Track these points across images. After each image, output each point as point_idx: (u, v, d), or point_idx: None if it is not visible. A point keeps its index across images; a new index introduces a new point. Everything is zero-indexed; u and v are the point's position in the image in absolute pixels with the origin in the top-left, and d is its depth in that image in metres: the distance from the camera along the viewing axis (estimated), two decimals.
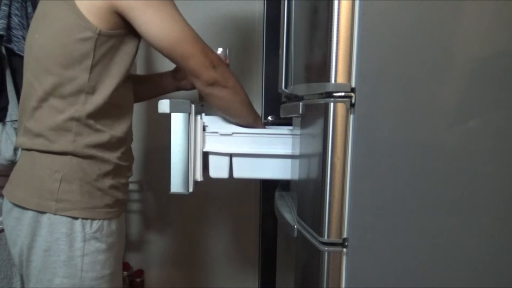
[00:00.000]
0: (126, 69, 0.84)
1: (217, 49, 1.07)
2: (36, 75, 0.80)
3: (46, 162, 0.79)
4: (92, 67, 0.78)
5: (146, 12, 0.77)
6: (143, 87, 1.13)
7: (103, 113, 0.81)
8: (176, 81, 1.13)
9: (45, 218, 0.78)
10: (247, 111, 0.97)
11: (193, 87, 1.15)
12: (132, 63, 0.87)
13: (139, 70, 1.62)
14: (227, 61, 1.11)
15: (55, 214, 0.78)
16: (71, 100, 0.78)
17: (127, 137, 0.88)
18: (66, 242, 0.78)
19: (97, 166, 0.81)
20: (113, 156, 0.84)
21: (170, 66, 1.03)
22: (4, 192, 0.86)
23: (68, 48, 0.77)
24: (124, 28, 0.80)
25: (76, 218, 0.79)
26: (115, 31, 0.79)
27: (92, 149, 0.80)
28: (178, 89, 1.15)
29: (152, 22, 0.78)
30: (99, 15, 0.76)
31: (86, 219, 0.80)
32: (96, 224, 0.81)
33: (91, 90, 0.79)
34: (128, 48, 0.83)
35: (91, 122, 0.80)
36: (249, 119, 0.98)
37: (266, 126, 1.07)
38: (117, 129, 0.84)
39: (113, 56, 0.81)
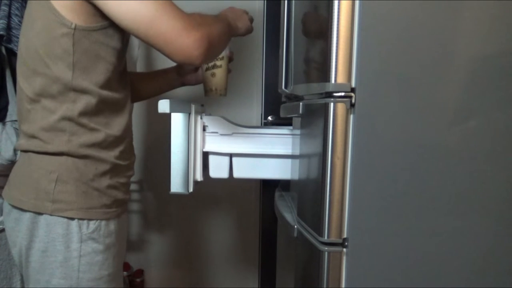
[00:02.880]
0: (113, 65, 0.82)
1: None
2: (26, 78, 0.80)
3: (41, 163, 0.79)
4: (75, 63, 0.77)
5: None
6: (147, 84, 1.12)
7: (96, 111, 0.80)
8: (180, 77, 1.13)
9: (42, 219, 0.78)
10: (226, 35, 0.90)
11: (197, 82, 1.15)
12: (121, 58, 0.84)
13: (139, 69, 1.61)
14: (230, 54, 1.10)
15: (51, 215, 0.78)
16: (61, 99, 0.78)
17: (125, 136, 0.87)
18: (62, 243, 0.78)
19: (93, 166, 0.81)
20: (110, 155, 0.83)
21: (171, 63, 1.03)
22: (3, 193, 0.85)
23: (49, 46, 0.76)
24: (104, 22, 0.78)
25: (72, 219, 0.78)
26: (94, 25, 0.77)
27: (87, 149, 0.80)
28: (183, 84, 1.14)
29: (124, 3, 0.72)
30: (74, 10, 0.75)
31: (83, 219, 0.79)
32: (93, 224, 0.80)
33: (78, 88, 0.78)
34: (113, 42, 0.81)
35: (85, 121, 0.79)
36: (231, 33, 0.94)
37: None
38: (113, 128, 0.84)
39: (97, 52, 0.79)
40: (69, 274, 0.79)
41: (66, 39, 0.75)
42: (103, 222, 0.82)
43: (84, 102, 0.79)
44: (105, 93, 0.81)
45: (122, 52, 0.84)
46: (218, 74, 1.06)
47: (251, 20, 1.05)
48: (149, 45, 0.77)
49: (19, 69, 0.83)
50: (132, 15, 0.73)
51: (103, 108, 0.81)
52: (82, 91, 0.78)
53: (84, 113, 0.79)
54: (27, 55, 0.80)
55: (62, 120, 0.78)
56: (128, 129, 0.88)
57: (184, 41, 0.74)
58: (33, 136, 0.80)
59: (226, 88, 1.09)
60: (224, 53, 1.06)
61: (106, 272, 0.82)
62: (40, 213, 0.78)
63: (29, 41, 0.79)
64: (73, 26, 0.75)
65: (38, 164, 0.79)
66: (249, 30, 1.04)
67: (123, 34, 0.82)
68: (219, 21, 0.88)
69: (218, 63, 1.06)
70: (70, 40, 0.76)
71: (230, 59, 1.10)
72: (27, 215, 0.79)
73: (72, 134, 0.79)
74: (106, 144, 0.82)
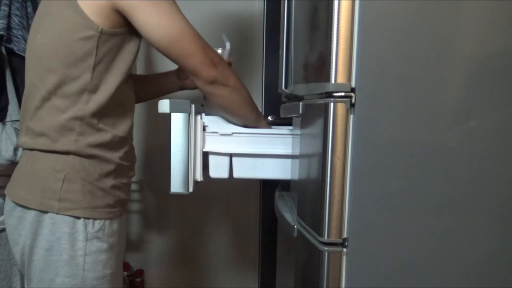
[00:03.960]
0: (128, 67, 0.84)
1: (217, 49, 1.07)
2: (39, 75, 0.80)
3: (48, 162, 0.79)
4: (95, 65, 0.78)
5: (145, 10, 0.77)
6: (147, 87, 1.13)
7: (105, 112, 0.81)
8: (180, 80, 1.13)
9: (47, 217, 0.78)
10: (249, 110, 0.97)
11: (196, 87, 1.15)
12: (134, 61, 0.86)
13: (139, 70, 1.61)
14: (230, 59, 1.11)
15: (57, 214, 0.78)
16: (74, 99, 0.79)
17: (129, 137, 0.88)
18: (68, 242, 0.78)
19: (99, 166, 0.81)
20: (115, 156, 0.84)
21: (170, 65, 1.03)
22: (6, 191, 0.86)
23: (71, 47, 0.77)
24: (126, 27, 0.80)
25: (78, 218, 0.79)
26: (117, 30, 0.79)
27: (94, 149, 0.80)
28: (182, 88, 1.15)
29: (151, 20, 0.78)
30: (101, 14, 0.76)
31: (88, 218, 0.80)
32: (98, 223, 0.81)
33: (93, 89, 0.79)
34: (130, 46, 0.83)
35: (94, 121, 0.80)
36: (250, 118, 0.98)
37: (270, 125, 1.07)
38: (120, 128, 0.84)
39: (115, 55, 0.81)
40: (74, 272, 0.79)
41: (91, 41, 0.77)
42: (107, 222, 0.83)
43: (96, 103, 0.80)
44: (117, 95, 0.82)
45: (136, 56, 0.86)
46: None
47: None
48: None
49: (30, 66, 0.84)
50: (160, 30, 0.80)
51: (112, 110, 0.82)
52: (97, 92, 0.79)
53: (94, 114, 0.80)
54: (43, 53, 0.80)
55: (72, 120, 0.79)
56: (131, 131, 0.89)
57: (201, 58, 0.83)
58: (41, 134, 0.80)
59: None
60: (225, 60, 1.07)
61: (109, 271, 0.83)
62: (45, 212, 0.78)
63: (47, 40, 0.79)
64: (99, 29, 0.76)
65: (45, 163, 0.79)
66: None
67: (140, 39, 0.85)
68: (250, 97, 0.97)
69: None
70: (94, 43, 0.77)
71: (230, 65, 1.10)
72: (32, 213, 0.79)
73: (80, 134, 0.79)
74: (112, 145, 0.83)
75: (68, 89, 0.78)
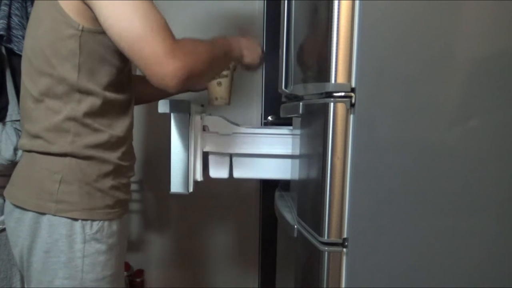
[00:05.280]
0: (118, 67, 0.82)
1: None
2: (30, 77, 0.80)
3: (45, 164, 0.79)
4: (80, 64, 0.77)
5: (107, 6, 0.71)
6: (152, 88, 1.12)
7: (100, 112, 0.81)
8: None
9: (45, 219, 0.78)
10: (216, 60, 0.86)
11: (201, 89, 1.15)
12: (126, 60, 0.84)
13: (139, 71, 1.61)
14: (235, 64, 1.11)
15: (54, 216, 0.78)
16: (66, 100, 0.78)
17: (127, 137, 0.87)
18: (66, 244, 0.78)
19: (97, 167, 0.81)
20: (113, 156, 0.83)
21: None
22: (5, 193, 0.86)
23: (55, 46, 0.76)
24: None
25: (75, 219, 0.79)
26: (100, 28, 0.76)
27: (91, 150, 0.80)
28: (187, 90, 1.15)
29: (113, 15, 0.71)
30: (79, 12, 0.75)
31: (86, 220, 0.79)
32: (96, 225, 0.80)
33: (83, 88, 0.78)
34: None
35: (89, 121, 0.79)
36: (229, 57, 0.92)
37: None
38: (117, 128, 0.84)
39: (102, 54, 0.79)
40: (73, 274, 0.79)
41: (73, 40, 0.76)
42: (106, 223, 0.82)
43: (89, 102, 0.79)
44: (110, 94, 0.81)
45: None
46: (224, 84, 1.07)
47: (262, 53, 1.00)
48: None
49: (24, 68, 0.83)
50: (119, 30, 0.71)
51: (107, 109, 0.81)
52: (87, 92, 0.78)
53: (88, 114, 0.79)
54: (33, 55, 0.80)
55: (66, 121, 0.78)
56: (130, 130, 0.89)
57: (162, 69, 0.72)
58: (37, 136, 0.80)
59: (230, 97, 1.10)
60: (231, 63, 1.07)
61: (109, 272, 0.83)
62: (43, 213, 0.78)
63: (35, 41, 0.79)
64: (80, 27, 0.75)
65: (42, 165, 0.79)
66: (254, 64, 0.99)
67: None
68: (213, 49, 0.84)
69: (225, 72, 1.06)
70: (76, 42, 0.76)
71: (234, 69, 1.10)
72: (30, 215, 0.79)
73: (76, 135, 0.79)
74: (109, 145, 0.82)
75: (58, 90, 0.77)
